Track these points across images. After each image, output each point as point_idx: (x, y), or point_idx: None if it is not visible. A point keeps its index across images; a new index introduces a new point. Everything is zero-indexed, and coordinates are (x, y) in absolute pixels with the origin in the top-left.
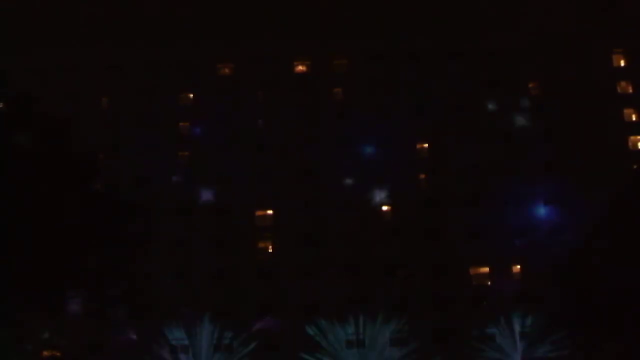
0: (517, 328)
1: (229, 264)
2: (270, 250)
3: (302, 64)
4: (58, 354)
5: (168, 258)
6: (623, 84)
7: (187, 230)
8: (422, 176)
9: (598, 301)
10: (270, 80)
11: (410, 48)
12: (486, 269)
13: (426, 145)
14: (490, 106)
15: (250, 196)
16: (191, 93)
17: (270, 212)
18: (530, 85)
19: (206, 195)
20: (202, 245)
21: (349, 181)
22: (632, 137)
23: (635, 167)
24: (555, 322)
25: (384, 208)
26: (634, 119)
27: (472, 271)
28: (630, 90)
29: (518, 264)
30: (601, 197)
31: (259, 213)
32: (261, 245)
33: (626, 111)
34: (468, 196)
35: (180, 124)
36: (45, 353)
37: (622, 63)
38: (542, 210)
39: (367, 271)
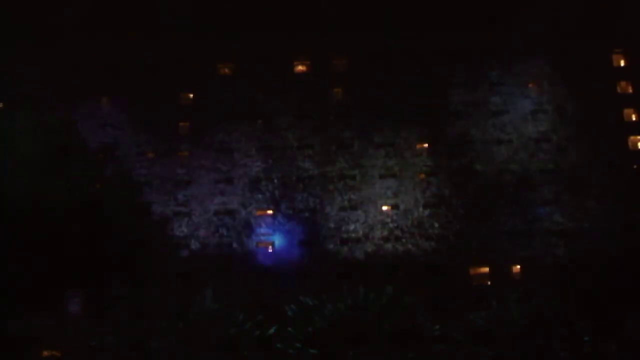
0: None
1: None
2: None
3: (302, 64)
4: (58, 354)
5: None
6: (623, 84)
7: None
8: (422, 176)
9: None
10: (270, 80)
11: (410, 48)
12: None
13: (426, 145)
14: (490, 106)
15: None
16: (191, 93)
17: (270, 212)
18: (530, 86)
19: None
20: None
21: (348, 182)
22: (632, 137)
23: (635, 167)
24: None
25: (385, 208)
26: (634, 119)
27: (472, 271)
28: (630, 90)
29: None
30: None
31: (259, 213)
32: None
33: (626, 111)
34: (469, 197)
35: (180, 124)
36: (45, 353)
37: (622, 63)
38: (541, 211)
39: None
